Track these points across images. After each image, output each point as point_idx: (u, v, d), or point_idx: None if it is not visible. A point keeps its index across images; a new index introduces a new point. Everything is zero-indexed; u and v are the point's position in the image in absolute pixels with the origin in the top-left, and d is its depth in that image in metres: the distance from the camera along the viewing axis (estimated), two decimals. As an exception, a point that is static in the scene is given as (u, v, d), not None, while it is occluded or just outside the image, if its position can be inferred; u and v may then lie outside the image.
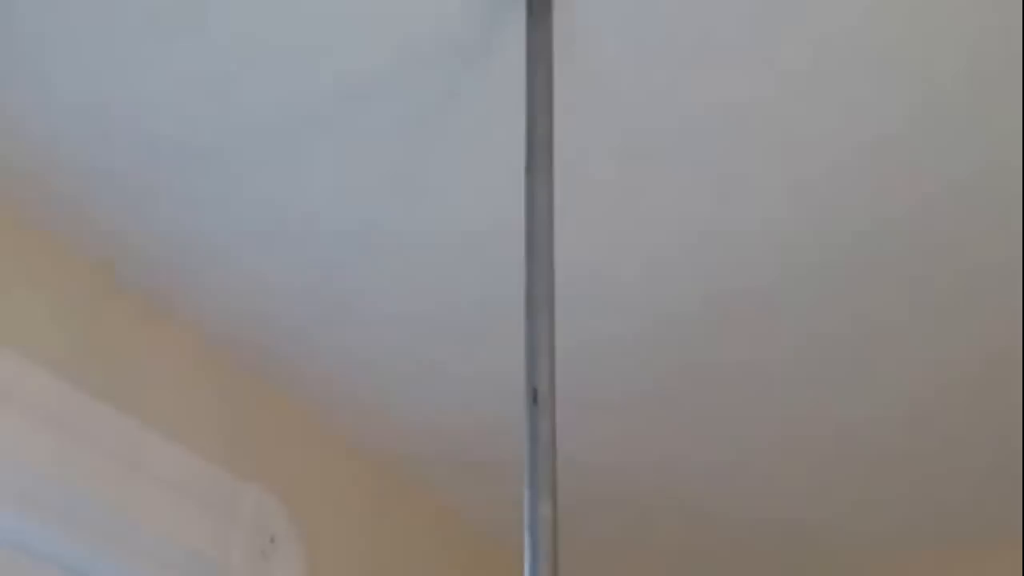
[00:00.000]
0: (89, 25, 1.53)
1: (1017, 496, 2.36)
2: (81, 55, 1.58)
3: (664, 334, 2.03)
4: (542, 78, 1.48)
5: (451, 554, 2.47)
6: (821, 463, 2.33)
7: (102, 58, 1.58)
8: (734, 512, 2.47)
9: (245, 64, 1.59)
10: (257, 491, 2.03)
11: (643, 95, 1.64)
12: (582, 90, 1.61)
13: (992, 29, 1.55)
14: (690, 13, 1.53)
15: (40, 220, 1.81)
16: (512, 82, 1.54)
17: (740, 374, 2.11)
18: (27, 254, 1.82)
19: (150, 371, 1.95)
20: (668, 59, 1.59)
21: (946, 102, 1.65)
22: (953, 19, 1.54)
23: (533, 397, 1.34)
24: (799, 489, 2.40)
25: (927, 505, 2.44)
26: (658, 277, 1.92)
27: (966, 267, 1.89)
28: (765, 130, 1.68)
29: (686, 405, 2.18)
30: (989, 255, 1.87)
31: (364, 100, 1.63)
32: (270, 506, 2.05)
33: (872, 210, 1.80)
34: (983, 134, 1.68)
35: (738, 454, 2.30)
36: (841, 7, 1.53)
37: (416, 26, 1.54)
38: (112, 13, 1.52)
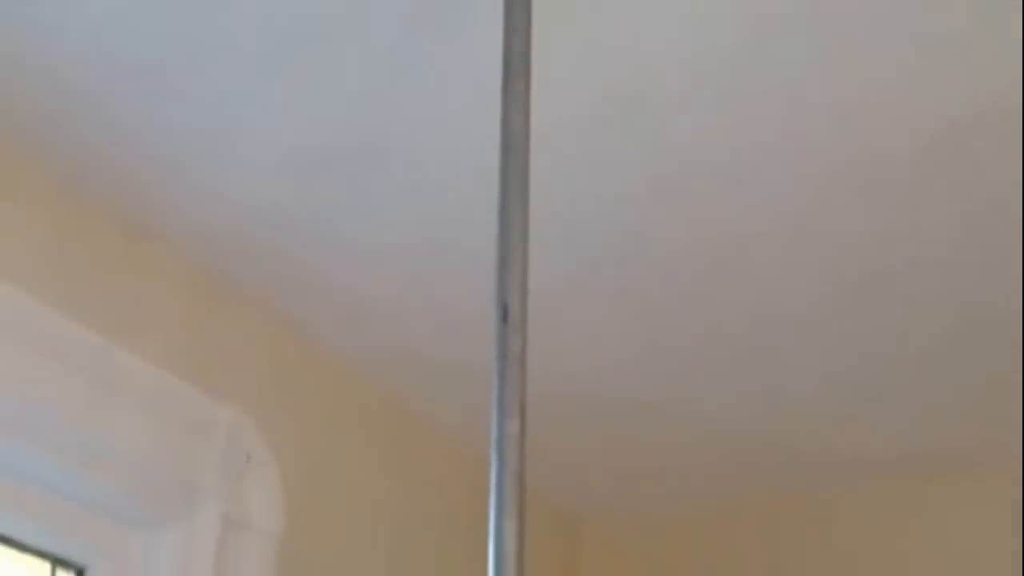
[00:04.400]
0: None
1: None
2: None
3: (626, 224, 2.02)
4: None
5: (425, 467, 2.48)
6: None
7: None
8: (710, 411, 2.47)
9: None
10: (232, 412, 2.03)
11: (622, 33, 1.64)
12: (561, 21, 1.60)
13: None
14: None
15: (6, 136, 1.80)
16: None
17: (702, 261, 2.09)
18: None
19: (126, 289, 1.95)
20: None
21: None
22: None
23: (503, 314, 1.33)
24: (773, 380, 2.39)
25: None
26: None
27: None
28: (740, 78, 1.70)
29: (656, 303, 2.18)
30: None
31: (340, 16, 1.61)
32: (245, 426, 2.05)
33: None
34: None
35: (713, 348, 2.29)
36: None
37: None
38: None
